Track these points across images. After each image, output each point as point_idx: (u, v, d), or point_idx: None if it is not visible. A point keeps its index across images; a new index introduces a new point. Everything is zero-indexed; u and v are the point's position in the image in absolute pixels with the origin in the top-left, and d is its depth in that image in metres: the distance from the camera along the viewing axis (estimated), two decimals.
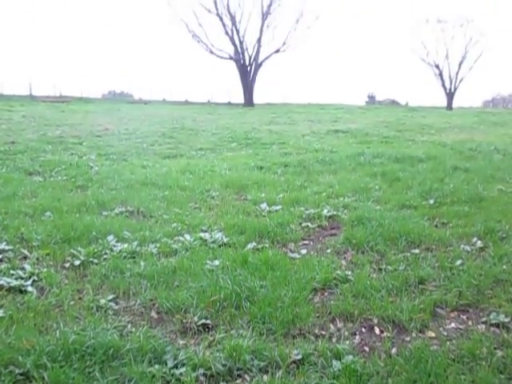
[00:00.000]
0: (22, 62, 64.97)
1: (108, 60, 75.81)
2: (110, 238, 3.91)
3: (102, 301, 2.84)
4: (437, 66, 48.60)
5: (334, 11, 39.06)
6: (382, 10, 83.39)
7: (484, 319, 2.75)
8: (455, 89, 49.16)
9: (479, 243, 3.93)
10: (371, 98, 57.52)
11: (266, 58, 38.42)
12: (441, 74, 48.60)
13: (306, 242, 4.14)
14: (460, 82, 49.02)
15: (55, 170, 7.08)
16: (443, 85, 49.09)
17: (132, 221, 4.59)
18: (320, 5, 37.90)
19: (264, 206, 5.14)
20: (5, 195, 5.29)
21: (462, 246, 3.91)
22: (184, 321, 2.67)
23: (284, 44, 38.17)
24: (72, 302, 2.85)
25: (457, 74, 48.66)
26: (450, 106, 47.24)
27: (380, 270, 3.44)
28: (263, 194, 5.69)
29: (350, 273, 3.32)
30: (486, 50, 47.47)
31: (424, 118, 22.43)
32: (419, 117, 23.80)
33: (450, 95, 49.01)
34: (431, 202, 5.35)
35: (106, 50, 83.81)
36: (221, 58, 37.91)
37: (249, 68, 37.66)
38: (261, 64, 38.14)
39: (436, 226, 4.55)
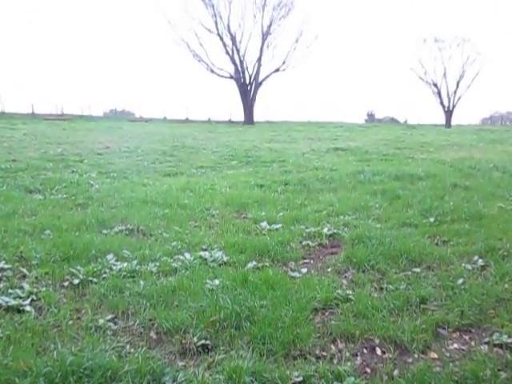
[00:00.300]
0: (24, 80, 65.66)
1: (109, 78, 76.70)
2: (110, 256, 3.90)
3: (101, 321, 2.82)
4: (435, 85, 49.20)
5: (334, 31, 39.82)
6: (381, 28, 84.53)
7: (487, 340, 2.72)
8: (453, 107, 49.67)
9: (480, 261, 3.91)
10: (370, 116, 57.97)
11: (266, 77, 38.93)
12: (439, 93, 49.17)
13: (306, 260, 4.12)
14: (458, 100, 49.55)
15: (56, 188, 7.08)
16: (441, 103, 49.62)
17: (132, 239, 4.57)
18: (320, 24, 38.25)
19: (264, 224, 5.14)
20: (5, 213, 5.29)
21: (464, 264, 3.88)
22: (183, 341, 2.64)
23: (284, 63, 38.76)
24: (70, 322, 2.82)
25: (455, 92, 49.25)
26: (448, 124, 47.59)
27: (381, 289, 3.42)
28: (263, 213, 5.68)
29: (350, 292, 3.30)
30: (483, 68, 48.13)
31: (423, 136, 22.57)
32: (418, 135, 23.95)
33: (449, 113, 49.47)
34: (431, 220, 5.34)
35: (108, 69, 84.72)
36: (221, 76, 38.44)
37: (249, 87, 38.12)
38: (261, 83, 38.63)
39: (437, 244, 4.53)
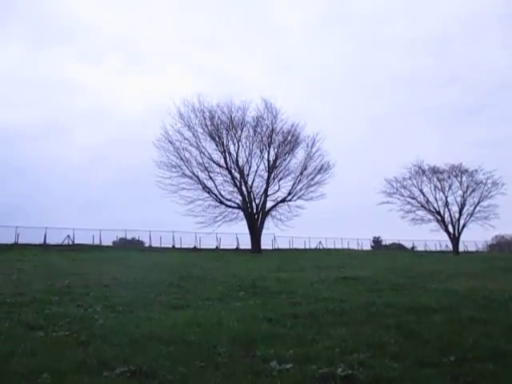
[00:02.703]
0: (38, 211, 68.36)
1: (120, 207, 79.42)
2: None
3: None
4: (438, 213, 50.34)
5: (338, 161, 42.67)
6: (385, 156, 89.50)
7: None
8: (459, 234, 50.06)
9: None
10: (377, 243, 58.22)
11: (273, 207, 40.31)
12: (443, 221, 50.04)
13: None
14: (463, 227, 50.15)
15: (59, 324, 6.90)
16: (446, 230, 50.17)
17: (134, 382, 4.31)
18: (324, 156, 40.69)
19: (274, 363, 4.86)
20: (3, 354, 5.08)
21: None
22: None
23: (290, 194, 40.45)
24: None
25: (458, 220, 50.12)
26: (456, 251, 47.52)
27: None
28: (272, 350, 5.41)
29: None
30: (484, 197, 49.68)
31: (432, 264, 22.36)
32: (427, 262, 23.77)
33: (455, 240, 49.70)
34: (452, 358, 5.02)
35: (119, 196, 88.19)
36: (229, 207, 39.84)
37: (256, 216, 39.25)
38: (268, 212, 39.85)
39: None
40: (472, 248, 54.49)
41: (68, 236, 36.38)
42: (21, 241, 33.63)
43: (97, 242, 37.72)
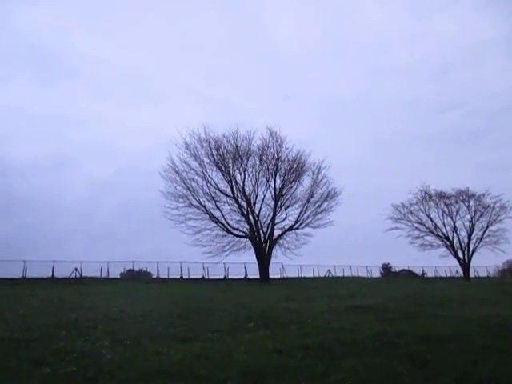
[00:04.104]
0: (46, 243, 68.58)
1: (128, 238, 79.43)
2: None
3: None
4: (447, 238, 49.76)
5: (345, 188, 42.54)
6: (393, 181, 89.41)
7: None
8: (469, 259, 49.32)
9: None
10: (386, 270, 57.41)
11: (281, 235, 40.11)
12: (452, 246, 49.41)
13: None
14: (473, 252, 49.44)
15: (66, 359, 6.82)
16: (456, 255, 49.48)
17: None
18: (330, 183, 40.71)
19: None
20: None
21: None
22: None
23: (297, 222, 40.29)
24: None
25: (468, 245, 49.47)
26: (467, 277, 46.72)
27: None
28: None
29: None
30: (493, 221, 49.17)
31: (443, 291, 21.96)
32: (438, 289, 23.36)
33: (465, 266, 48.93)
34: None
35: (126, 230, 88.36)
36: (237, 236, 39.69)
37: (264, 245, 39.02)
38: (276, 241, 39.63)
39: None
40: (483, 273, 53.56)
41: (76, 269, 36.29)
42: (29, 274, 33.67)
43: (104, 274, 37.57)
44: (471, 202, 49.76)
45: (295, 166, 40.94)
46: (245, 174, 39.91)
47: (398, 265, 56.86)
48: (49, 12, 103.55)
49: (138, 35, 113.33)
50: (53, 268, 34.99)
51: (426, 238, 50.27)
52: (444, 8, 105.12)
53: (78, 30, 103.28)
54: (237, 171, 39.85)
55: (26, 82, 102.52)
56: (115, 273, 39.25)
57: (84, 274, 35.91)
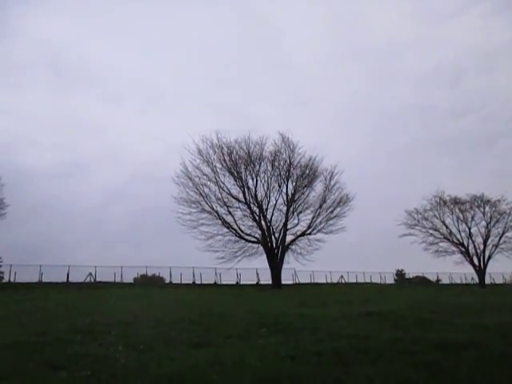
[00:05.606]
0: (61, 249, 69.48)
1: (141, 244, 79.98)
2: None
3: None
4: (462, 244, 49.06)
5: (357, 193, 42.31)
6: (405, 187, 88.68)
7: None
8: (485, 266, 48.53)
9: None
10: (400, 276, 56.80)
11: (293, 241, 40.00)
12: (467, 252, 48.69)
13: None
14: (488, 259, 48.65)
15: (81, 364, 6.89)
16: (471, 262, 48.73)
17: None
18: (343, 189, 40.57)
19: None
20: None
21: None
22: None
23: (309, 227, 40.17)
24: None
25: (483, 251, 48.68)
26: (482, 284, 45.95)
27: None
28: None
29: None
30: (509, 227, 48.35)
31: (458, 298, 21.65)
32: (453, 296, 23.03)
33: (481, 272, 48.13)
34: None
35: (139, 235, 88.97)
36: (249, 241, 39.70)
37: (276, 250, 38.96)
38: (288, 246, 39.54)
39: None
40: (499, 280, 52.66)
41: (90, 274, 36.71)
42: (44, 279, 34.19)
43: (118, 279, 37.93)
44: (487, 208, 49.04)
45: (307, 171, 40.91)
46: (257, 180, 40.01)
47: (411, 271, 56.30)
48: (64, 20, 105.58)
49: (152, 44, 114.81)
50: (68, 273, 35.45)
51: (441, 244, 49.67)
52: (457, 13, 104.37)
53: (93, 39, 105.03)
54: (249, 177, 39.97)
55: (40, 89, 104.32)
56: (129, 278, 39.63)
57: (98, 279, 36.28)
